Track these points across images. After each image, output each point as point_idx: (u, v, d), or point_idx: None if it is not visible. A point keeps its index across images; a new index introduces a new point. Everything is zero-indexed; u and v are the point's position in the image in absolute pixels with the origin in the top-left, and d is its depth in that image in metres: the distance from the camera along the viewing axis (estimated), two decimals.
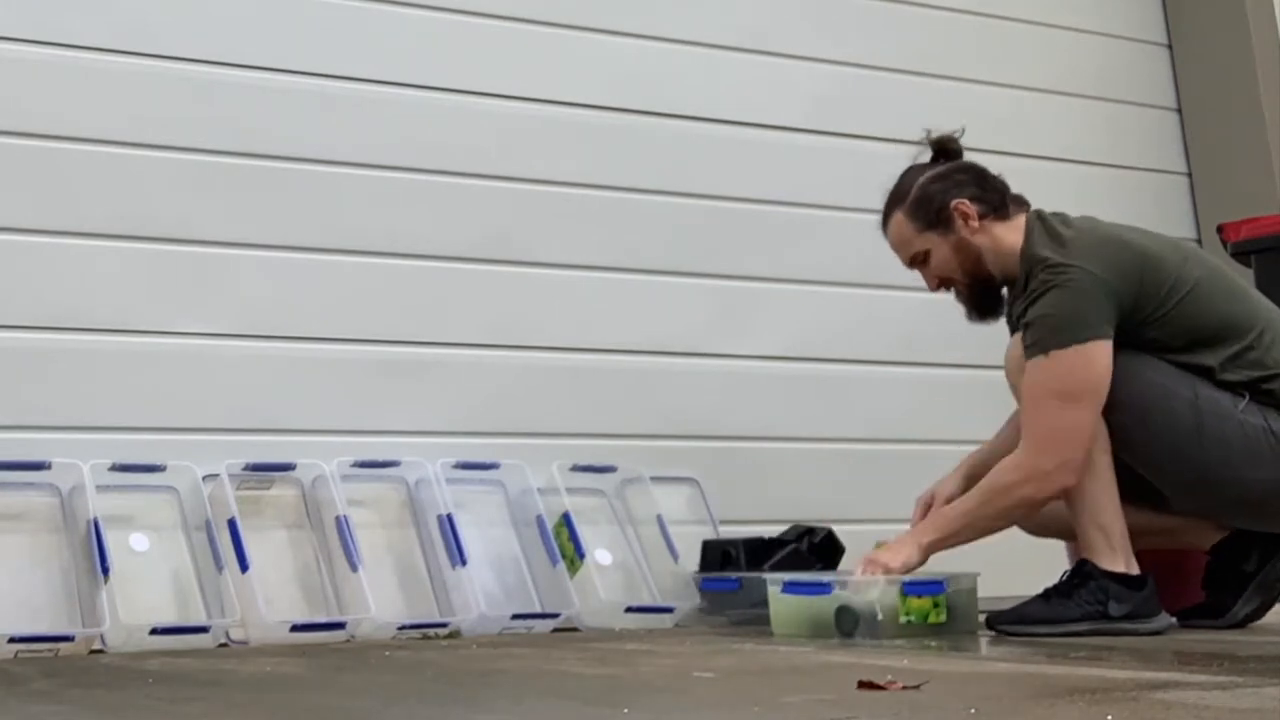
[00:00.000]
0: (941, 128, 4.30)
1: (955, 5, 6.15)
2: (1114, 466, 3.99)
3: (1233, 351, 3.97)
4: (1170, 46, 6.71)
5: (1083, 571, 4.00)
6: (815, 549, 4.75)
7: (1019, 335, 4.07)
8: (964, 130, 4.29)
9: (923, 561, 4.10)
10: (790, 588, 4.20)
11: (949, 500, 4.25)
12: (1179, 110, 6.68)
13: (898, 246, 4.31)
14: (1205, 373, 3.96)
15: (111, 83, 4.57)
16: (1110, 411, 3.95)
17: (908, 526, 4.30)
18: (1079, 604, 3.95)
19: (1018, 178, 4.33)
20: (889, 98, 5.82)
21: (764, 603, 4.29)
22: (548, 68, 5.23)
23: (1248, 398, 3.94)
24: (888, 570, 4.05)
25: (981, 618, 4.17)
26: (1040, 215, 4.17)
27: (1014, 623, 4.02)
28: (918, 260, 4.27)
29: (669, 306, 5.31)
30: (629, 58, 5.40)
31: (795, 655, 3.59)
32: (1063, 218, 4.17)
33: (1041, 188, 4.47)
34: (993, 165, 4.32)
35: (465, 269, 5.00)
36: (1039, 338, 3.95)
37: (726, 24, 5.60)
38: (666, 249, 5.34)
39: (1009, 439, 4.22)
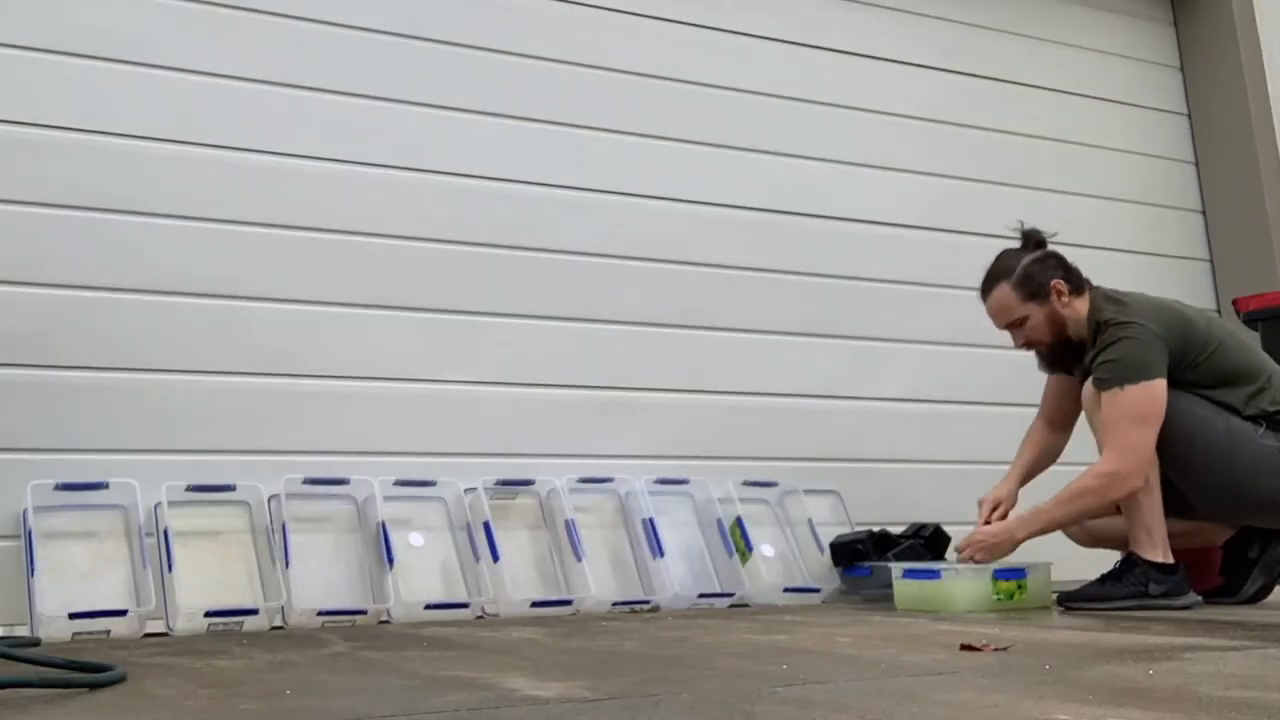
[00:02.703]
0: (1029, 223, 4.27)
1: (1032, 132, 6.02)
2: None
3: (1251, 391, 3.92)
4: (1196, 163, 6.52)
5: (1130, 561, 3.98)
6: (927, 542, 4.63)
7: (1091, 379, 3.99)
8: (1055, 233, 4.26)
9: (1014, 549, 4.07)
10: (909, 574, 4.16)
11: (1002, 498, 4.21)
12: (1203, 211, 6.48)
13: (998, 312, 4.19)
14: (1231, 408, 3.90)
15: (401, 194, 4.54)
16: (1163, 437, 3.88)
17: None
18: (1126, 585, 3.94)
19: (1080, 263, 4.26)
20: (982, 203, 5.70)
21: (890, 585, 4.23)
22: (726, 180, 5.15)
23: (1264, 426, 3.88)
24: (985, 560, 4.06)
25: (1053, 597, 4.16)
26: (1101, 290, 4.12)
27: (1077, 600, 4.00)
28: (1015, 324, 4.17)
29: (816, 360, 5.19)
30: (787, 172, 5.30)
31: (912, 625, 3.50)
32: (1117, 292, 4.11)
33: (1098, 271, 4.42)
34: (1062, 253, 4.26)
35: (664, 332, 4.90)
36: (1113, 375, 3.90)
37: (860, 147, 5.51)
38: (815, 316, 5.23)
39: (1037, 445, 4.33)
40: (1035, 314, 4.10)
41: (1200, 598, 4.00)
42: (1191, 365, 3.92)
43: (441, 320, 4.51)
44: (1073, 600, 4.03)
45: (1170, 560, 3.94)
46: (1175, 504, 4.00)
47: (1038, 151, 5.99)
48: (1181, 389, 3.91)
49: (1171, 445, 3.89)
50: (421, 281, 4.49)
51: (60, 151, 4.02)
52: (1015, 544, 4.04)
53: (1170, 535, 4.00)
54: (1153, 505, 3.93)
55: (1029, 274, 4.11)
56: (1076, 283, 4.12)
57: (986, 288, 4.19)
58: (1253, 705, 1.91)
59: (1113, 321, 3.96)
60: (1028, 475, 4.29)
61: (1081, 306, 4.09)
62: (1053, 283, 4.07)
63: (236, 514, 3.99)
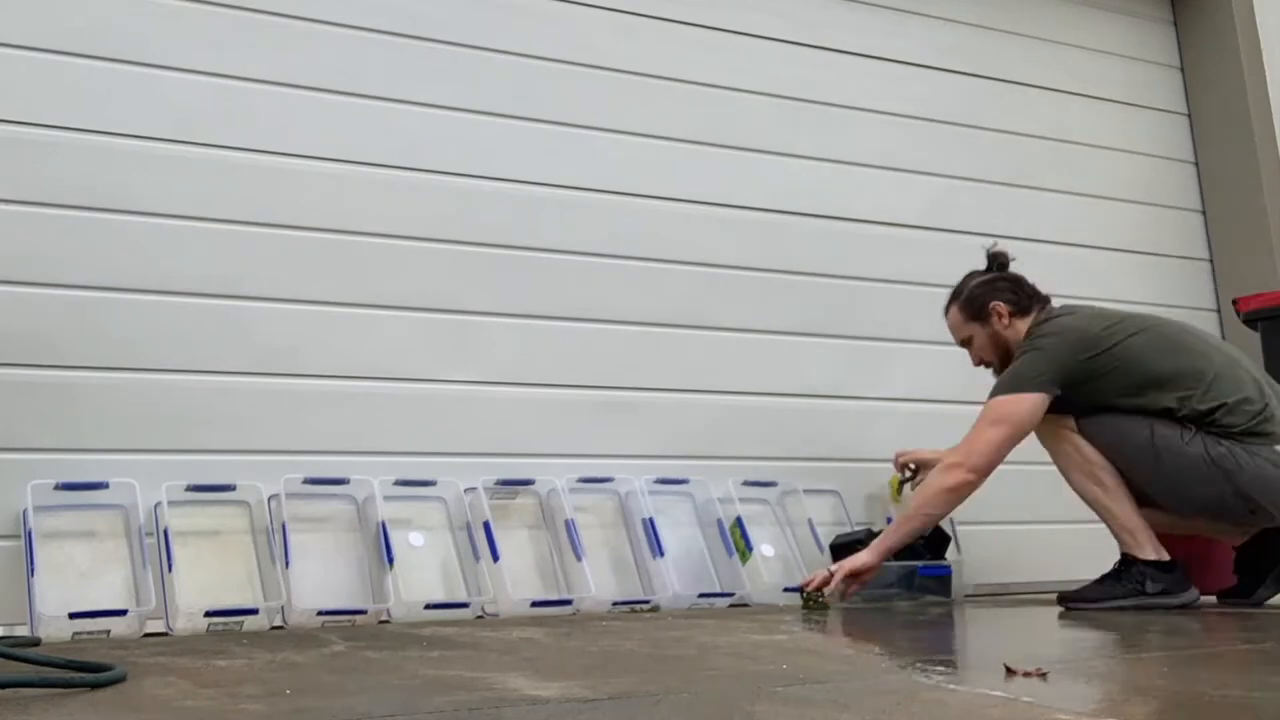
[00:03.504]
0: (998, 244, 4.47)
1: (1032, 132, 6.00)
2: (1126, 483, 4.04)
3: (1180, 395, 3.93)
4: (1196, 163, 6.50)
5: (1127, 561, 4.04)
6: (927, 541, 4.58)
7: None
8: (1011, 257, 4.42)
9: (877, 564, 4.15)
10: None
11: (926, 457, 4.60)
12: (1203, 211, 6.46)
13: (951, 330, 4.43)
14: (1165, 412, 3.95)
15: (401, 194, 4.53)
16: (1106, 455, 3.99)
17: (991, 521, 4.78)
18: (1124, 585, 4.01)
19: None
20: (983, 202, 5.71)
21: (890, 585, 4.31)
22: (726, 180, 5.14)
23: (1194, 430, 3.88)
24: (849, 571, 4.12)
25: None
26: (1049, 309, 4.25)
27: (1076, 601, 4.08)
28: (964, 343, 4.37)
29: (818, 360, 5.18)
30: (787, 172, 5.29)
31: (916, 625, 3.49)
32: (1064, 308, 4.23)
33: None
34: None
35: (665, 332, 4.89)
36: (996, 387, 4.11)
37: (860, 147, 5.50)
38: (815, 316, 5.21)
39: None
40: (979, 334, 4.30)
41: (1199, 594, 4.02)
42: (1100, 375, 4.00)
43: (441, 320, 4.50)
44: (1072, 600, 4.08)
45: (1165, 557, 3.98)
46: None
47: (1038, 151, 5.97)
48: (1108, 397, 3.99)
49: (1115, 461, 3.99)
50: (421, 281, 4.48)
51: (60, 151, 4.01)
52: (876, 562, 4.14)
53: (1181, 526, 4.09)
54: (1120, 507, 4.01)
55: (973, 296, 4.31)
56: (1023, 305, 4.24)
57: (946, 307, 4.41)
58: (1253, 705, 1.91)
59: (1022, 343, 4.13)
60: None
61: (1024, 327, 4.20)
62: (992, 305, 4.24)
63: (236, 514, 3.99)
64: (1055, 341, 4.05)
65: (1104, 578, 4.07)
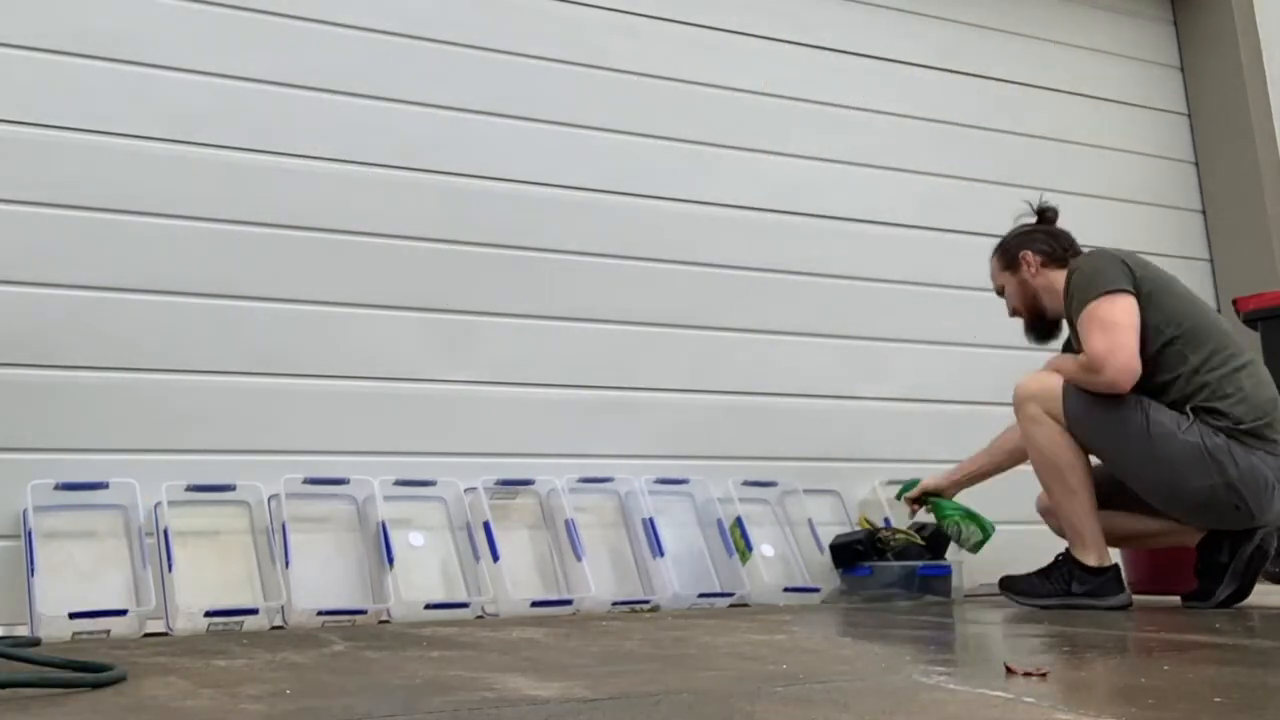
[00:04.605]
0: (1045, 198, 4.41)
1: (1032, 132, 6.00)
2: (1093, 486, 4.00)
3: (1206, 356, 3.85)
4: (1196, 163, 6.50)
5: (1060, 559, 4.07)
6: (927, 540, 4.61)
7: (1033, 372, 4.10)
8: (1057, 212, 4.34)
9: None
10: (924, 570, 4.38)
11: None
12: (1203, 211, 6.47)
13: (991, 279, 4.36)
14: (1168, 389, 3.85)
15: (401, 194, 4.54)
16: (1087, 438, 3.94)
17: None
18: (1052, 583, 4.04)
19: None
20: (980, 202, 5.68)
21: (891, 585, 4.32)
22: (726, 180, 5.14)
23: (1191, 419, 3.80)
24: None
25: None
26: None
27: (1011, 589, 4.17)
28: (1000, 292, 4.32)
29: (816, 360, 5.18)
30: (787, 172, 5.29)
31: (916, 625, 3.46)
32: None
33: None
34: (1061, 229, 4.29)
35: (664, 332, 4.90)
36: (1076, 300, 3.94)
37: (860, 147, 5.49)
38: (815, 316, 5.21)
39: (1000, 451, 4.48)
40: (1010, 283, 4.26)
41: (1130, 597, 4.01)
42: (1146, 296, 3.88)
43: (441, 320, 4.50)
44: (1008, 587, 4.18)
45: (1103, 562, 3.98)
46: (1143, 502, 4.02)
47: (1038, 151, 5.96)
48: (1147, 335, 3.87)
49: (1098, 446, 3.95)
50: (421, 281, 4.48)
51: (60, 151, 4.02)
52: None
53: (1141, 535, 4.11)
54: (1076, 506, 3.98)
55: (1007, 245, 4.30)
56: (1056, 256, 4.17)
57: (991, 256, 4.37)
58: (1252, 705, 1.91)
59: (1073, 269, 4.04)
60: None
61: (1056, 278, 4.12)
62: (1022, 254, 4.20)
63: (236, 514, 3.99)
64: (1102, 255, 4.00)
65: (1040, 572, 4.11)
